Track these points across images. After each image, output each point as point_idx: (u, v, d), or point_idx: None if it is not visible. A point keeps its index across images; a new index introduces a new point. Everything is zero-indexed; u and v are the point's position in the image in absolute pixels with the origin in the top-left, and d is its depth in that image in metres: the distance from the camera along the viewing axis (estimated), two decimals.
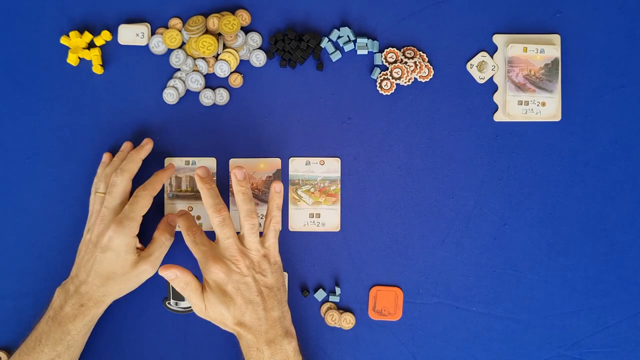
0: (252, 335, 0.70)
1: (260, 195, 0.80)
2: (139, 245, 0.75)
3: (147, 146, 0.77)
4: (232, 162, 0.80)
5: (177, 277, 0.71)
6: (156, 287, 0.79)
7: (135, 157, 0.76)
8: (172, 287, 0.80)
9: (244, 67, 0.80)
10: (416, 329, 0.79)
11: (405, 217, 0.79)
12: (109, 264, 0.72)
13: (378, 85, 0.79)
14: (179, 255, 0.79)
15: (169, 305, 0.80)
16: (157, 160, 0.80)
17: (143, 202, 0.73)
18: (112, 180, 0.74)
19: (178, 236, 0.77)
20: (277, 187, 0.74)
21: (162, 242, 0.75)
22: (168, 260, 0.77)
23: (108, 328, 0.79)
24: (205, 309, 0.72)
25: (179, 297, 0.80)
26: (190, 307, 0.80)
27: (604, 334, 0.79)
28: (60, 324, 0.71)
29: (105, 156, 0.79)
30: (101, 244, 0.72)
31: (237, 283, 0.70)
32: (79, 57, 0.80)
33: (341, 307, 0.80)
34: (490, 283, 0.79)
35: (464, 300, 0.79)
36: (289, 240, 0.79)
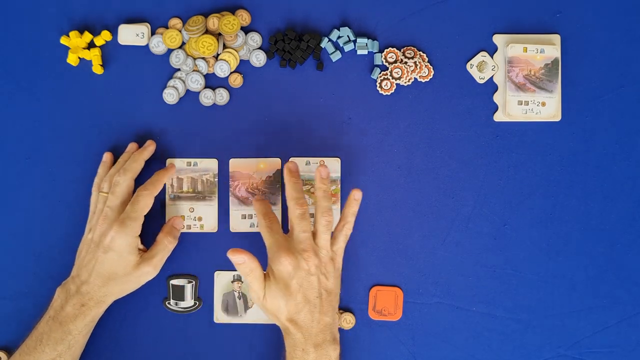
0: (301, 334, 0.70)
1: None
2: (141, 246, 0.76)
3: (150, 147, 0.78)
4: (232, 162, 0.80)
5: (244, 263, 0.70)
6: (156, 287, 0.79)
7: (138, 158, 0.76)
8: (172, 287, 0.80)
9: (244, 67, 0.80)
10: (416, 329, 0.79)
11: (405, 217, 0.79)
12: (111, 264, 0.72)
13: (378, 85, 0.79)
14: (180, 256, 0.79)
15: (169, 305, 0.80)
16: (158, 160, 0.80)
17: (144, 202, 0.73)
18: (115, 179, 0.74)
19: (182, 237, 0.77)
20: (357, 194, 0.74)
21: (164, 245, 0.75)
22: (169, 260, 0.77)
23: (108, 328, 0.79)
24: (263, 298, 0.71)
25: (179, 297, 0.80)
26: (190, 307, 0.80)
27: (604, 334, 0.79)
28: (62, 324, 0.71)
29: (106, 156, 0.79)
30: (103, 244, 0.72)
31: (302, 279, 0.70)
32: (79, 57, 0.80)
33: (341, 307, 0.80)
34: (490, 283, 0.79)
35: (464, 300, 0.79)
36: None
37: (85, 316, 0.72)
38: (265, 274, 0.72)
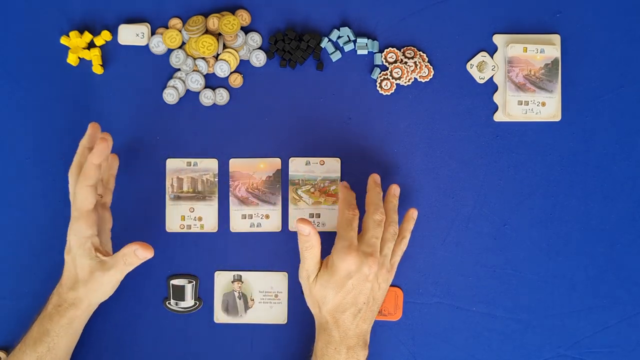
0: (338, 334, 0.70)
1: (260, 196, 0.80)
2: (101, 249, 0.71)
3: (99, 147, 0.68)
4: (232, 162, 0.80)
5: (308, 235, 0.69)
6: (156, 287, 0.79)
7: (90, 166, 0.69)
8: (172, 287, 0.80)
9: (244, 67, 0.80)
10: (416, 329, 0.79)
11: None
12: (72, 267, 0.70)
13: (378, 85, 0.79)
14: (180, 256, 0.79)
15: (169, 305, 0.80)
16: (158, 160, 0.80)
17: (81, 196, 0.68)
18: (71, 190, 0.71)
19: (182, 237, 0.77)
20: (414, 214, 0.75)
21: (119, 265, 0.69)
22: (169, 260, 0.77)
23: (108, 328, 0.79)
24: (313, 280, 0.71)
25: (179, 297, 0.80)
26: (190, 307, 0.80)
27: (604, 334, 0.79)
28: (41, 323, 0.71)
29: (91, 129, 0.72)
30: (67, 246, 0.71)
31: (359, 282, 0.69)
32: (79, 57, 0.80)
33: None
34: (490, 283, 0.79)
35: (464, 300, 0.79)
36: (289, 240, 0.79)
37: (61, 317, 0.70)
38: (322, 260, 0.72)
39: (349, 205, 0.72)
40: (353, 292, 0.70)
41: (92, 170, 0.68)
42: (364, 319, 0.71)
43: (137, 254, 0.69)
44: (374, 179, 0.75)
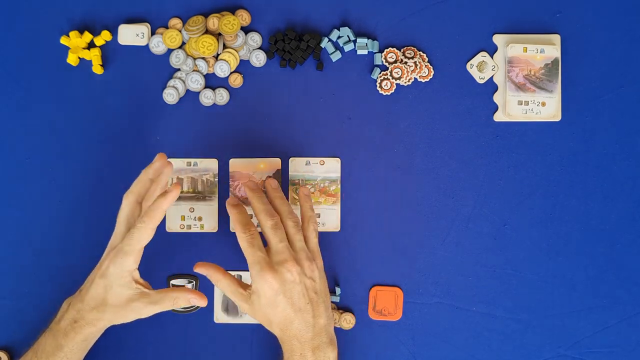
0: (297, 341, 0.69)
1: None
2: (141, 281, 0.71)
3: (173, 193, 0.70)
4: (232, 162, 0.80)
5: (211, 277, 0.71)
6: (156, 287, 0.79)
7: (142, 177, 0.72)
8: (172, 287, 0.80)
9: (244, 67, 0.80)
10: (416, 329, 0.79)
11: (405, 217, 0.79)
12: (102, 291, 0.69)
13: (378, 85, 0.79)
14: (180, 256, 0.79)
15: None
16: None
17: (140, 235, 0.68)
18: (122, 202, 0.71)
19: (182, 237, 0.77)
20: (305, 190, 0.75)
21: (166, 303, 0.71)
22: (169, 260, 0.77)
23: (108, 328, 0.79)
24: (251, 311, 0.71)
25: None
26: (190, 307, 0.80)
27: (604, 334, 0.79)
28: (55, 337, 0.70)
29: (159, 163, 0.73)
30: (101, 269, 0.70)
31: (290, 292, 0.69)
32: (79, 57, 0.80)
33: (341, 307, 0.80)
34: (490, 283, 0.79)
35: (464, 300, 0.79)
36: None
37: (76, 334, 0.69)
38: (247, 288, 0.71)
39: (243, 227, 0.70)
40: (290, 303, 0.69)
41: (159, 214, 0.69)
42: (317, 316, 0.70)
43: (191, 302, 0.71)
44: (248, 185, 0.73)
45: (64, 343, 0.69)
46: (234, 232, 0.79)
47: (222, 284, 0.71)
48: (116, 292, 0.69)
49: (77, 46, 0.79)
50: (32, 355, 0.71)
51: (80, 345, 0.71)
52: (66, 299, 0.73)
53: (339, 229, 0.80)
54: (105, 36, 0.79)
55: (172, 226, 0.80)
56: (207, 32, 0.79)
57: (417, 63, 0.79)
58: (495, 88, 0.79)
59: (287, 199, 0.80)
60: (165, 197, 0.69)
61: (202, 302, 0.71)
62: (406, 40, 0.80)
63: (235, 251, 0.80)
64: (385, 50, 0.79)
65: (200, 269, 0.72)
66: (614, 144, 0.79)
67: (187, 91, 0.80)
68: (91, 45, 0.80)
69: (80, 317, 0.70)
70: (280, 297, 0.69)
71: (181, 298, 0.71)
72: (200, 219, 0.80)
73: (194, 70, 0.80)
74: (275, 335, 0.71)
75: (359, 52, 0.79)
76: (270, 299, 0.69)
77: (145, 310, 0.70)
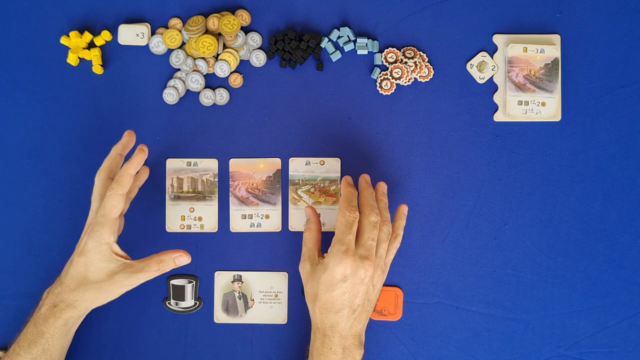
0: (331, 332, 0.70)
1: (260, 196, 0.80)
2: (121, 252, 0.70)
3: (138, 157, 0.70)
4: (232, 162, 0.80)
5: (309, 217, 0.74)
6: (156, 287, 0.79)
7: (112, 152, 0.72)
8: (172, 287, 0.80)
9: (244, 67, 0.80)
10: (416, 329, 0.79)
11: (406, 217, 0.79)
12: (83, 268, 0.69)
13: (378, 85, 0.79)
14: None
15: (169, 305, 0.80)
16: (158, 160, 0.80)
17: (111, 202, 0.69)
18: (106, 193, 0.70)
19: (182, 237, 0.77)
20: (405, 209, 0.75)
21: (151, 269, 0.70)
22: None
23: (109, 328, 0.79)
24: (309, 274, 0.71)
25: (179, 297, 0.80)
26: (190, 307, 0.80)
27: (604, 334, 0.79)
28: (35, 324, 0.70)
29: (126, 139, 0.74)
30: (79, 247, 0.70)
31: (354, 285, 0.69)
32: (79, 57, 0.80)
33: None
34: (490, 283, 0.79)
35: (464, 300, 0.79)
36: (289, 240, 0.79)
37: (56, 318, 0.69)
38: (321, 256, 0.72)
39: (350, 207, 0.71)
40: (348, 294, 0.69)
41: (126, 179, 0.69)
42: (358, 320, 0.70)
43: (176, 262, 0.71)
44: (365, 179, 0.75)
45: (44, 329, 0.69)
46: (234, 233, 0.80)
47: (310, 235, 0.73)
48: (97, 267, 0.69)
49: (77, 46, 0.79)
50: (15, 347, 0.71)
51: (61, 331, 0.70)
52: (46, 289, 0.73)
53: None
54: (105, 36, 0.79)
55: (172, 226, 0.80)
56: (207, 32, 0.79)
57: (417, 63, 0.79)
58: (495, 88, 0.79)
59: (287, 199, 0.80)
60: (130, 162, 0.69)
61: (187, 259, 0.71)
62: (406, 40, 0.80)
63: (235, 251, 0.80)
64: (385, 50, 0.79)
65: (308, 210, 0.74)
66: (614, 144, 0.79)
67: (187, 91, 0.80)
68: (91, 45, 0.80)
69: (59, 300, 0.69)
70: (344, 284, 0.69)
71: (166, 260, 0.70)
72: (200, 219, 0.80)
73: (194, 70, 0.80)
74: (312, 321, 0.72)
75: (359, 52, 0.79)
76: (334, 279, 0.69)
77: (129, 280, 0.69)
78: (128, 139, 0.74)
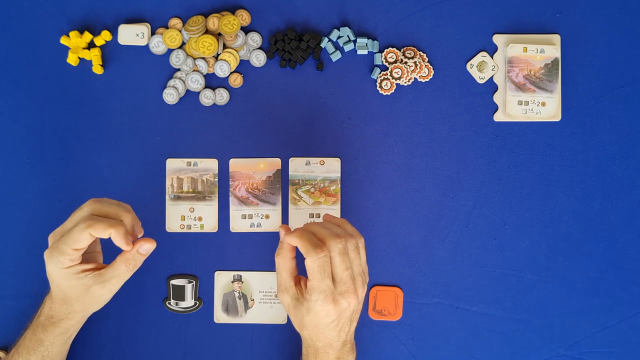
0: (323, 348, 0.69)
1: (260, 196, 0.80)
2: (89, 267, 0.67)
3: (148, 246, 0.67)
4: (232, 162, 0.80)
5: (281, 242, 0.68)
6: (156, 287, 0.79)
7: (119, 211, 0.66)
8: (172, 287, 0.80)
9: (244, 67, 0.80)
10: (416, 329, 0.79)
11: (405, 217, 0.79)
12: (57, 288, 0.68)
13: (378, 85, 0.79)
14: (180, 256, 0.79)
15: (169, 305, 0.80)
16: (158, 160, 0.80)
17: (77, 236, 0.64)
18: (86, 203, 0.67)
19: (182, 237, 0.77)
20: (333, 214, 0.73)
21: (120, 272, 0.67)
22: (170, 260, 0.77)
23: (109, 328, 0.79)
24: (290, 305, 0.68)
25: (179, 297, 0.80)
26: (190, 307, 0.80)
27: (604, 334, 0.79)
28: (34, 332, 0.70)
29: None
30: (46, 269, 0.67)
31: (340, 319, 0.67)
32: (79, 57, 0.80)
33: None
34: (490, 283, 0.79)
35: (464, 300, 0.79)
36: None
37: (55, 327, 0.69)
38: (303, 292, 0.67)
39: (316, 248, 0.65)
40: (336, 327, 0.67)
41: (103, 227, 0.64)
42: (347, 330, 0.69)
43: (140, 252, 0.67)
44: (306, 222, 0.72)
45: (43, 337, 0.70)
46: (234, 232, 0.80)
47: (283, 263, 0.68)
48: (68, 285, 0.66)
49: (77, 46, 0.79)
50: (14, 353, 0.71)
51: (60, 338, 0.70)
52: (48, 293, 0.72)
53: None
54: (105, 36, 0.79)
55: (172, 226, 0.80)
56: (207, 32, 0.79)
57: (417, 63, 0.79)
58: (495, 88, 0.79)
59: (287, 199, 0.80)
60: (114, 223, 0.65)
61: (150, 245, 0.67)
62: (406, 40, 0.80)
63: (235, 251, 0.80)
64: (385, 50, 0.79)
65: (283, 231, 0.68)
66: (614, 144, 0.79)
67: (187, 91, 0.80)
68: (91, 45, 0.80)
69: (53, 312, 0.70)
70: (332, 323, 0.67)
71: (132, 259, 0.67)
72: (200, 219, 0.80)
73: (194, 70, 0.80)
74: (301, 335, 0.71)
75: (359, 52, 0.79)
76: (319, 322, 0.67)
77: (106, 289, 0.67)
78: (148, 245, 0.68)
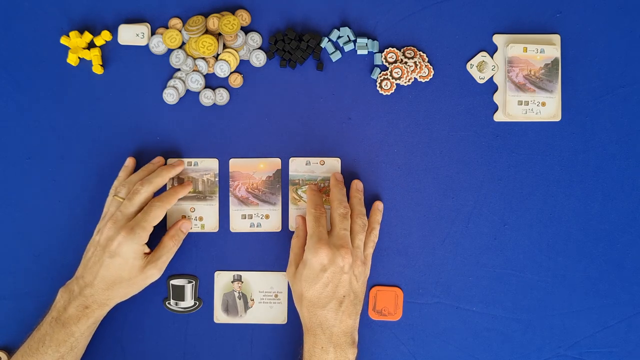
0: (321, 330, 0.71)
1: (260, 196, 0.80)
2: (148, 250, 0.75)
3: (178, 167, 0.78)
4: (232, 162, 0.80)
5: (297, 226, 0.77)
6: (156, 287, 0.79)
7: (164, 174, 0.76)
8: (172, 287, 0.80)
9: (244, 67, 0.80)
10: (416, 329, 0.79)
11: (405, 217, 0.79)
12: (116, 269, 0.72)
13: (378, 85, 0.79)
14: (180, 256, 0.79)
15: (169, 305, 0.80)
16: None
17: (156, 213, 0.73)
18: (135, 187, 0.74)
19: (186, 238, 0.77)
20: (380, 205, 0.78)
21: (169, 248, 0.76)
22: (172, 262, 0.77)
23: (109, 328, 0.79)
24: (292, 276, 0.74)
25: (179, 297, 0.80)
26: (190, 307, 0.80)
27: (604, 334, 0.79)
28: (64, 325, 0.71)
29: (129, 161, 0.79)
30: (110, 249, 0.72)
31: (335, 274, 0.71)
32: (79, 57, 0.80)
33: None
34: (490, 283, 0.79)
35: (464, 300, 0.79)
36: (289, 240, 0.79)
37: (88, 318, 0.72)
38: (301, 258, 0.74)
39: (314, 205, 0.74)
40: (330, 285, 0.70)
41: (175, 199, 0.76)
42: (347, 314, 0.71)
43: (182, 229, 0.77)
44: (336, 177, 0.77)
45: (75, 329, 0.72)
46: (234, 233, 0.80)
47: (297, 241, 0.76)
48: (131, 265, 0.72)
49: (77, 46, 0.79)
50: (39, 344, 0.71)
51: (91, 329, 0.74)
52: (61, 288, 0.73)
53: None
54: (105, 36, 0.79)
55: None
56: (207, 32, 0.79)
57: (417, 63, 0.79)
58: (495, 88, 0.79)
59: (287, 199, 0.80)
60: (182, 187, 0.78)
61: (189, 224, 0.78)
62: (406, 40, 0.80)
63: (235, 251, 0.80)
64: (385, 50, 0.79)
65: (298, 219, 0.77)
66: (614, 144, 0.79)
67: (187, 91, 0.80)
68: (91, 45, 0.80)
69: (92, 301, 0.72)
70: (325, 274, 0.70)
71: (175, 235, 0.76)
72: (201, 218, 0.80)
73: (194, 70, 0.80)
74: (302, 323, 0.73)
75: (359, 52, 0.79)
76: (314, 272, 0.71)
77: (157, 268, 0.74)
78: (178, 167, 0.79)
